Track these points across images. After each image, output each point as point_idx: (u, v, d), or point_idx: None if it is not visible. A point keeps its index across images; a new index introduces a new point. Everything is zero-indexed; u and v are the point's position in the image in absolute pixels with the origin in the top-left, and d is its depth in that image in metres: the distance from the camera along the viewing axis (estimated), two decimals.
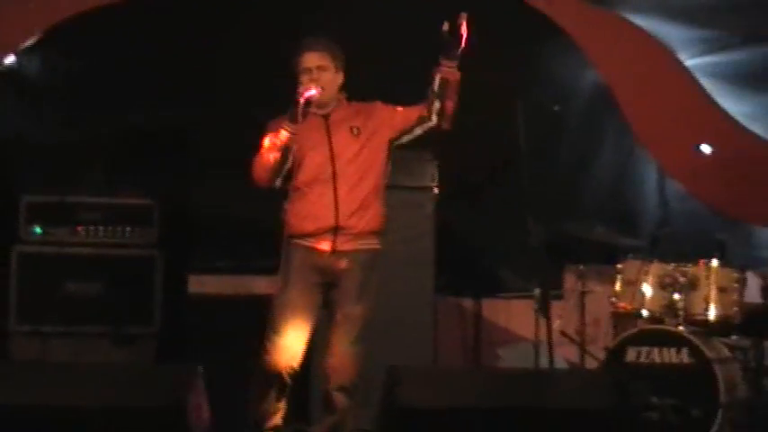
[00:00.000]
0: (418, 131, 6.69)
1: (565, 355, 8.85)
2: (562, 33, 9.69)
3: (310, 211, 6.62)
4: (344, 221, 6.57)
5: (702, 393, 7.61)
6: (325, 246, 6.57)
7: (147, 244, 8.79)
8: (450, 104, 6.55)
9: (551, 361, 8.48)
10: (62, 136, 9.68)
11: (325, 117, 6.69)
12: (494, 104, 9.01)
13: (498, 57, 9.27)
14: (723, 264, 8.22)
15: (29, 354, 8.60)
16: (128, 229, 8.79)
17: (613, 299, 8.45)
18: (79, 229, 8.78)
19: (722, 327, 8.22)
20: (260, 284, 8.67)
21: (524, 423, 5.75)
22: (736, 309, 8.16)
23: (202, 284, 8.94)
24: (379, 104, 6.82)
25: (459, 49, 6.48)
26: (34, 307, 8.63)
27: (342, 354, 6.67)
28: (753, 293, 8.45)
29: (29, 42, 9.67)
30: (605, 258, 8.85)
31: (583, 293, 8.88)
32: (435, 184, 8.68)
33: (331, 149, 6.64)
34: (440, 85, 6.51)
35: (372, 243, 6.72)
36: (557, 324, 8.70)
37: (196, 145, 9.23)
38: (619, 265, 8.45)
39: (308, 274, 6.68)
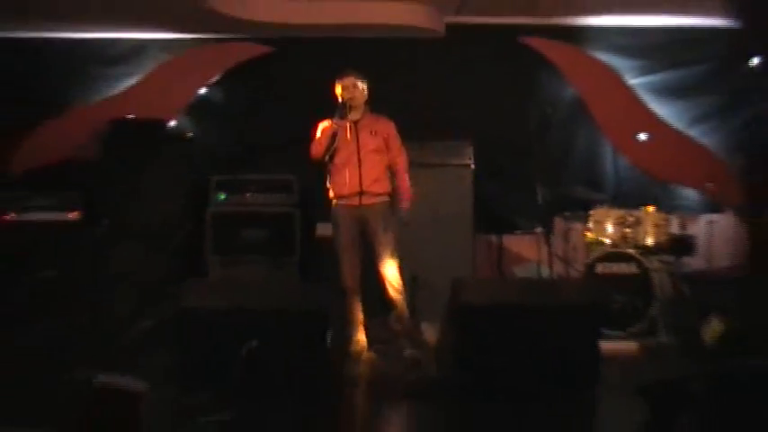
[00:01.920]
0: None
1: (557, 270, 8.93)
2: (550, 64, 9.98)
3: (345, 181, 7.42)
4: (366, 188, 7.37)
5: (644, 292, 8.07)
6: (355, 201, 7.41)
7: (290, 204, 9.28)
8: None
9: (550, 273, 8.84)
10: (237, 141, 10.05)
11: (355, 123, 7.44)
12: (508, 112, 9.55)
13: (509, 80, 9.94)
14: (656, 209, 8.59)
15: (219, 275, 9.16)
16: (277, 195, 9.32)
17: (587, 233, 8.74)
18: (247, 195, 9.35)
19: (656, 249, 8.48)
20: None
21: (534, 313, 5.86)
22: (664, 238, 8.50)
23: (325, 230, 8.63)
24: (393, 127, 7.61)
25: None
26: (221, 245, 9.23)
27: (386, 266, 7.43)
28: (674, 228, 8.68)
29: (213, 79, 10.14)
30: (582, 207, 8.96)
31: (567, 230, 9.15)
32: (472, 161, 9.17)
33: (357, 144, 7.43)
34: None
35: (384, 198, 7.51)
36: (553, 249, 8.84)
37: None
38: (590, 212, 8.73)
39: (348, 221, 7.48)
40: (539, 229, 9.01)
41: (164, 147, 9.40)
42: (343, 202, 7.49)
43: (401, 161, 7.65)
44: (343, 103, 7.39)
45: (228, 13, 9.06)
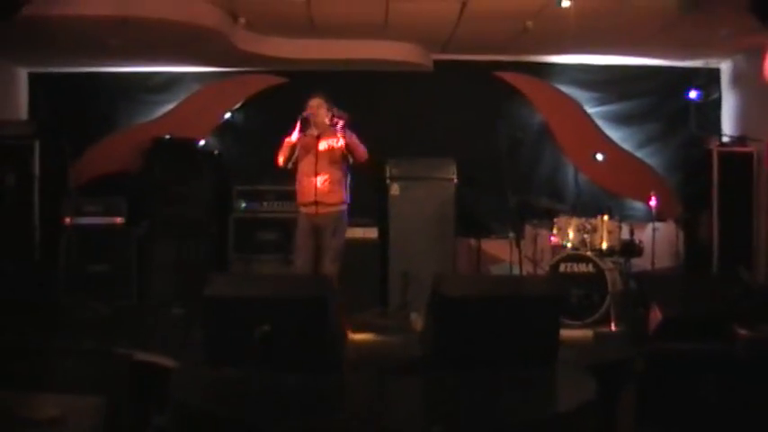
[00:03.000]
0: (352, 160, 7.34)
1: (526, 269, 8.81)
2: (520, 93, 10.07)
3: (304, 191, 7.29)
4: (320, 198, 7.19)
5: (599, 287, 8.07)
6: (312, 210, 7.25)
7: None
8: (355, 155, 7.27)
9: (520, 271, 8.66)
10: (254, 157, 9.84)
11: (317, 137, 7.28)
12: (485, 134, 9.39)
13: (486, 107, 9.95)
14: (610, 218, 8.54)
15: (239, 269, 9.19)
16: (289, 203, 8.88)
17: (552, 238, 8.78)
18: (264, 203, 9.36)
19: (609, 252, 8.47)
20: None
21: (507, 303, 5.68)
22: (617, 242, 8.50)
23: None
24: (341, 135, 7.23)
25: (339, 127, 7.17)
26: (242, 245, 9.26)
27: (324, 266, 7.27)
28: (625, 234, 8.68)
29: (236, 106, 10.23)
30: (547, 215, 8.99)
31: (535, 235, 9.14)
32: (455, 176, 9.25)
33: (316, 157, 7.23)
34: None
35: (337, 208, 7.29)
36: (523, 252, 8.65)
37: None
38: (555, 219, 8.72)
39: (306, 225, 7.35)
40: (511, 234, 8.90)
41: (195, 161, 9.46)
42: (303, 209, 7.37)
43: (353, 141, 7.32)
44: (306, 118, 7.28)
45: (250, 50, 9.10)
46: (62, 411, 5.57)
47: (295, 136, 7.25)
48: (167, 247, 9.14)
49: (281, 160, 7.31)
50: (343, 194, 7.37)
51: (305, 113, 7.29)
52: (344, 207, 7.40)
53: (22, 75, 10.28)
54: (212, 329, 5.51)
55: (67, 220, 9.02)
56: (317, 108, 7.35)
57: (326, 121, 7.34)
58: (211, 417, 4.44)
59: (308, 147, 7.31)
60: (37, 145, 9.08)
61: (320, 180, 7.24)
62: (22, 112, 10.24)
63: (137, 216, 9.31)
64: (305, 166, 7.31)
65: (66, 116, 10.02)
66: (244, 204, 9.38)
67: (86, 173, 9.83)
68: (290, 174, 7.32)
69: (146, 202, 9.33)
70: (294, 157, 7.32)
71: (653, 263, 8.94)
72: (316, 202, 7.24)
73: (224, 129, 10.24)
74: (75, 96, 10.12)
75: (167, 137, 9.54)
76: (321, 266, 7.32)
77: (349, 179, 7.45)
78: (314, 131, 7.34)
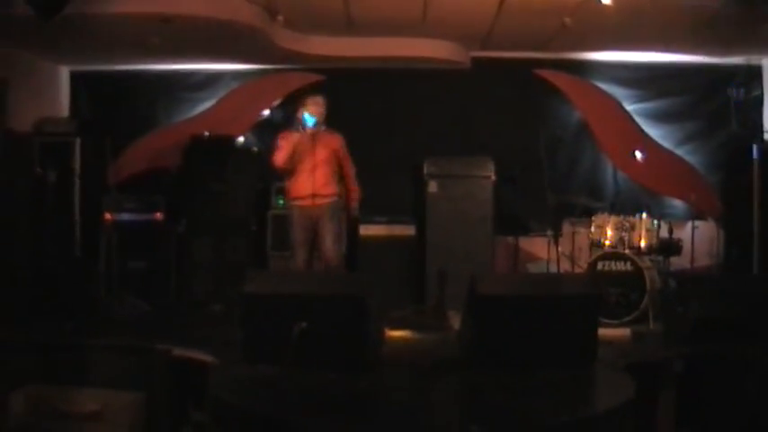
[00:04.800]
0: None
1: (564, 267, 8.87)
2: (560, 92, 10.04)
3: (301, 185, 7.49)
4: (317, 191, 7.43)
5: (638, 286, 7.94)
6: (308, 202, 7.47)
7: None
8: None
9: (558, 269, 8.72)
10: None
11: (313, 135, 7.42)
12: (523, 132, 9.42)
13: (524, 105, 9.96)
14: (648, 216, 8.43)
15: (278, 265, 9.17)
16: None
17: (590, 236, 8.64)
18: None
19: (648, 250, 8.37)
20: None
21: (544, 302, 5.69)
22: (655, 240, 8.41)
23: (366, 230, 9.17)
24: (340, 142, 7.65)
25: None
26: (280, 243, 9.13)
27: (326, 246, 7.56)
28: (663, 232, 8.58)
29: (275, 103, 10.23)
30: (585, 213, 8.97)
31: (573, 233, 9.18)
32: (493, 174, 9.17)
33: (314, 153, 7.42)
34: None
35: (331, 198, 7.57)
36: (560, 249, 8.79)
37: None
38: (593, 217, 8.62)
39: (303, 219, 7.55)
40: (549, 232, 8.91)
41: (234, 159, 9.49)
42: (298, 203, 7.55)
43: (348, 170, 7.74)
44: (299, 120, 7.45)
45: (289, 47, 9.13)
46: (102, 406, 5.65)
47: (295, 135, 7.43)
48: (206, 244, 9.20)
49: (281, 160, 7.46)
50: (336, 187, 7.68)
51: (308, 111, 7.45)
52: (338, 199, 7.69)
53: (64, 73, 10.39)
54: (251, 326, 5.53)
55: (108, 216, 9.07)
56: (320, 107, 7.53)
57: (323, 121, 7.55)
58: (248, 413, 4.47)
59: (306, 144, 7.47)
60: (78, 142, 9.18)
61: (318, 175, 7.49)
62: (64, 109, 10.34)
63: (176, 213, 9.36)
64: (304, 162, 7.49)
65: (106, 114, 10.11)
66: (282, 201, 9.28)
67: (126, 170, 9.95)
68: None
69: (185, 200, 9.39)
70: (296, 155, 7.46)
71: (692, 262, 8.88)
72: (313, 195, 7.48)
73: (263, 126, 10.24)
74: (116, 94, 10.22)
75: (206, 134, 9.58)
76: (323, 250, 7.59)
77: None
78: (310, 130, 7.46)
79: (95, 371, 5.91)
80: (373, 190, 8.33)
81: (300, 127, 7.43)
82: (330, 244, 7.56)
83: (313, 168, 7.47)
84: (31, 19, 6.48)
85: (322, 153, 7.52)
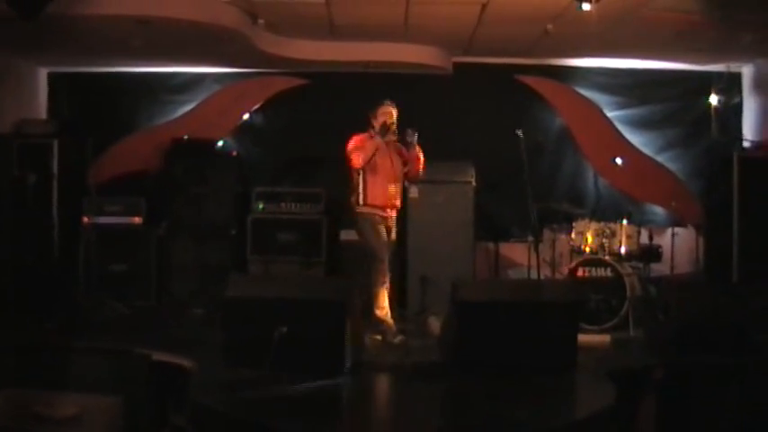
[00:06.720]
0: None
1: (544, 273, 8.65)
2: (542, 98, 10.08)
3: (381, 195, 7.28)
4: (394, 202, 7.36)
5: (618, 292, 7.98)
6: (386, 213, 7.32)
7: (318, 212, 9.33)
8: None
9: (538, 276, 8.34)
10: (273, 158, 10.14)
11: (387, 144, 7.33)
12: (505, 138, 8.92)
13: (506, 111, 9.89)
14: (629, 222, 8.51)
15: (257, 271, 9.16)
16: (307, 205, 9.34)
17: (571, 242, 8.71)
18: (282, 205, 9.36)
19: (628, 257, 8.46)
20: None
21: (525, 308, 5.86)
22: (635, 247, 8.47)
23: (346, 235, 9.03)
24: (404, 150, 7.43)
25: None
26: (260, 246, 9.24)
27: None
28: (644, 239, 8.68)
29: (254, 107, 10.23)
30: (566, 220, 8.96)
31: (554, 240, 9.18)
32: (473, 179, 9.21)
33: (392, 162, 7.36)
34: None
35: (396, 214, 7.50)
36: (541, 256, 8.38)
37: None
38: (574, 224, 8.69)
39: (382, 228, 7.29)
40: (530, 238, 8.81)
41: (214, 162, 9.50)
42: (378, 212, 7.31)
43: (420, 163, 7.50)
44: (387, 126, 7.31)
45: (270, 51, 9.10)
46: (80, 410, 5.56)
47: (378, 139, 7.29)
48: (186, 247, 9.22)
49: (362, 161, 7.23)
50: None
51: (387, 120, 7.34)
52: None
53: (42, 74, 10.34)
54: (232, 330, 5.55)
55: (87, 219, 9.06)
56: (393, 115, 7.43)
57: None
58: (228, 417, 4.48)
59: (384, 153, 7.34)
60: (56, 144, 9.14)
61: (394, 188, 7.39)
62: (42, 111, 10.29)
63: (156, 216, 9.35)
64: (384, 171, 7.35)
65: (86, 116, 10.04)
66: (262, 205, 9.39)
67: (106, 173, 9.87)
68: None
69: (165, 203, 9.38)
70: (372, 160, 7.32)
71: (672, 268, 8.92)
72: (393, 207, 7.40)
73: (243, 130, 10.27)
74: (96, 96, 10.14)
75: (186, 137, 9.59)
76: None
77: None
78: (391, 137, 7.39)
79: (74, 374, 5.84)
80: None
81: (378, 134, 7.32)
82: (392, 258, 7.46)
83: (391, 180, 7.36)
84: (11, 19, 6.41)
85: (398, 163, 7.44)
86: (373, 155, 7.23)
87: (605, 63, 10.04)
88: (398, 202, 7.49)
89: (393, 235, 7.45)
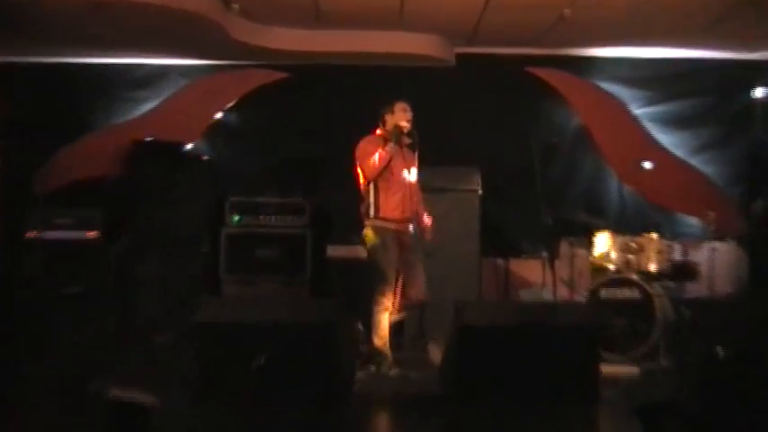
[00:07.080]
0: None
1: (561, 294, 8.67)
2: (556, 93, 10.07)
3: (394, 206, 7.23)
4: (410, 214, 7.32)
5: (646, 316, 7.94)
6: (401, 227, 7.27)
7: (302, 226, 9.29)
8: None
9: (554, 297, 8.54)
10: (250, 164, 10.09)
11: (401, 147, 7.31)
12: (515, 139, 9.39)
13: (516, 108, 10.00)
14: (659, 236, 8.42)
15: (232, 292, 9.14)
16: (290, 217, 9.32)
17: (591, 258, 8.64)
18: (261, 217, 9.35)
19: (658, 275, 8.36)
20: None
21: (537, 335, 5.88)
22: (666, 264, 8.39)
23: (334, 251, 9.06)
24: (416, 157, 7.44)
25: None
26: (235, 264, 9.21)
27: (414, 281, 7.34)
28: (677, 254, 8.65)
29: (228, 105, 10.23)
30: (586, 233, 8.82)
31: (572, 255, 8.98)
32: (479, 187, 9.17)
33: (408, 169, 7.35)
34: None
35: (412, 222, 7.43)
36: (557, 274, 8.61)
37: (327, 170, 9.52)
38: (594, 237, 8.59)
39: (393, 242, 7.22)
40: (544, 254, 8.93)
41: (182, 168, 9.50)
42: (391, 225, 7.26)
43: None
44: (402, 130, 7.33)
45: (246, 40, 9.12)
46: None
47: (392, 145, 7.27)
48: (150, 265, 9.14)
49: (375, 174, 7.23)
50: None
51: (402, 126, 7.35)
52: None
53: None
54: (202, 361, 5.56)
55: (32, 233, 9.03)
56: (409, 116, 7.44)
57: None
58: None
59: (398, 159, 7.34)
60: None
61: (413, 197, 7.42)
62: None
63: (115, 230, 9.30)
64: (397, 180, 7.34)
65: (32, 114, 9.92)
66: (238, 218, 9.39)
67: (55, 179, 9.86)
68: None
69: (125, 215, 9.34)
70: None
71: (710, 288, 8.89)
72: (407, 219, 7.34)
73: (215, 131, 10.28)
74: (46, 91, 10.12)
75: (150, 139, 9.58)
76: (416, 285, 7.36)
77: None
78: (405, 141, 7.43)
79: (18, 417, 5.85)
80: (342, 205, 8.33)
81: (393, 138, 7.32)
82: (422, 273, 7.40)
83: (410, 189, 7.39)
84: None
85: (413, 171, 7.46)
86: (386, 166, 7.22)
87: (630, 53, 10.07)
88: (414, 211, 7.44)
89: (411, 245, 7.36)
